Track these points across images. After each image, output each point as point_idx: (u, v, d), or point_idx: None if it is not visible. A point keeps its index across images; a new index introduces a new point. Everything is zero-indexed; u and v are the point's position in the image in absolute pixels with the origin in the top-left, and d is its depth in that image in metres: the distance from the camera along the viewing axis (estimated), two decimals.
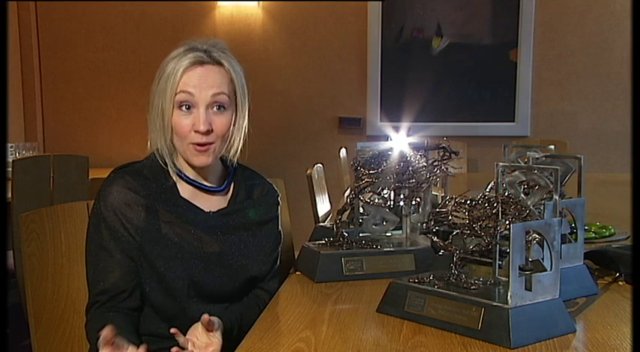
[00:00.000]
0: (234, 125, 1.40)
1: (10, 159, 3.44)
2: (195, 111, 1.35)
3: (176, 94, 1.35)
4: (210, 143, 1.37)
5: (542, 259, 1.11)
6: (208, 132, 1.35)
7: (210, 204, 1.43)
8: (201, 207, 1.41)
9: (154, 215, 1.35)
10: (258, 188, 1.52)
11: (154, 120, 1.39)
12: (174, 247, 1.35)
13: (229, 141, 1.42)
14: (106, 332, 1.11)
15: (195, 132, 1.35)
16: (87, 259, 1.37)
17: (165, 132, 1.38)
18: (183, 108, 1.35)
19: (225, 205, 1.45)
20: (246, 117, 1.43)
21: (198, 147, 1.36)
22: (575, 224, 1.31)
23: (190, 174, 1.42)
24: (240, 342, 1.09)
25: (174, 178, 1.41)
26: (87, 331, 1.35)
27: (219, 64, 1.38)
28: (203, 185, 1.43)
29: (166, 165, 1.41)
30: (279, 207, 1.55)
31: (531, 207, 1.18)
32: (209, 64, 1.37)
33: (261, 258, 1.45)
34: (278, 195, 1.56)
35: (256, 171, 1.56)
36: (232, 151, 1.44)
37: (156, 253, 1.33)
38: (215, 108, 1.36)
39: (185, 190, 1.42)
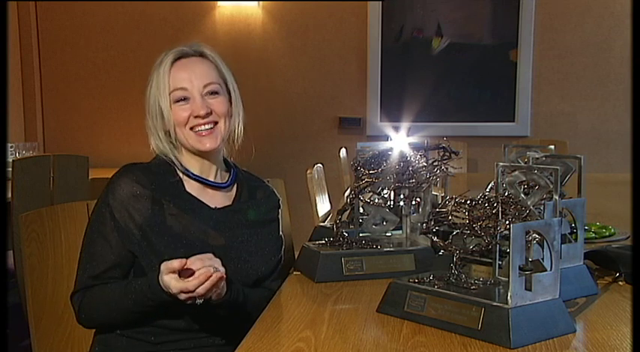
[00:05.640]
0: (231, 106, 1.48)
1: (10, 159, 3.43)
2: (191, 101, 1.43)
3: (170, 93, 1.42)
4: (215, 123, 1.44)
5: (542, 259, 1.11)
6: (208, 115, 1.42)
7: (216, 200, 1.47)
8: (207, 203, 1.45)
9: (159, 207, 1.39)
10: (260, 190, 1.57)
11: (153, 122, 1.45)
12: (179, 239, 1.38)
13: (231, 123, 1.47)
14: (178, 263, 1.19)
15: (196, 117, 1.42)
16: (84, 246, 1.40)
17: (168, 129, 1.44)
18: (180, 102, 1.43)
19: (230, 203, 1.49)
20: (241, 102, 1.50)
21: (203, 132, 1.43)
22: (575, 224, 1.31)
23: (196, 170, 1.48)
24: (243, 330, 1.11)
25: (180, 175, 1.46)
26: (87, 304, 1.36)
27: (201, 54, 1.47)
28: (208, 181, 1.48)
29: (173, 163, 1.46)
30: (280, 211, 1.60)
31: (531, 207, 1.18)
32: (193, 56, 1.46)
33: (264, 258, 1.47)
34: (279, 199, 1.61)
35: (256, 175, 1.62)
36: (233, 137, 1.49)
37: (162, 244, 1.36)
38: (209, 95, 1.44)
39: (191, 186, 1.46)
